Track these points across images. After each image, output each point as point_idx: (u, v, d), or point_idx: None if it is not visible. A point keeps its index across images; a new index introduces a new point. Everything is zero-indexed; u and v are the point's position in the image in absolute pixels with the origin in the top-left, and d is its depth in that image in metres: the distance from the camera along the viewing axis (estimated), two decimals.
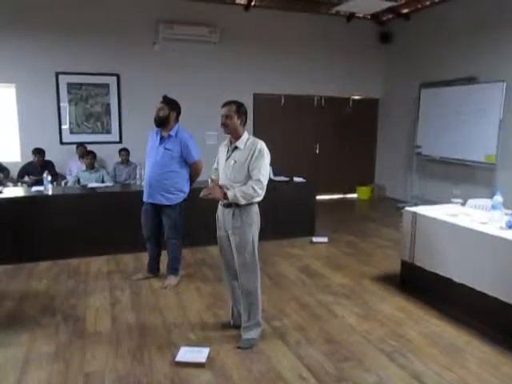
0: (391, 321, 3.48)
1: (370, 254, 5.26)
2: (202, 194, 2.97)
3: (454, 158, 7.05)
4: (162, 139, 4.00)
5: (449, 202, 4.34)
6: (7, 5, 6.50)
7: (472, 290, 3.38)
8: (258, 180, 2.88)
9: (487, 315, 3.29)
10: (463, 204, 4.28)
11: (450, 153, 7.09)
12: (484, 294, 3.28)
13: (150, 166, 4.03)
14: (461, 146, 6.88)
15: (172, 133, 3.97)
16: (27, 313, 3.56)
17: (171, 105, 3.98)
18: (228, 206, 3.00)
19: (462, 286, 3.47)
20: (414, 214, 4.02)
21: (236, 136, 3.01)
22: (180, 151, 3.96)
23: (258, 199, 3.00)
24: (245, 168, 2.92)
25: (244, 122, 3.03)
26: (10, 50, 6.60)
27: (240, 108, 3.01)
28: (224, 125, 2.98)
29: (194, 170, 4.10)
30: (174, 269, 4.22)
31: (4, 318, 3.46)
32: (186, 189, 4.12)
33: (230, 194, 2.88)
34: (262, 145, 2.97)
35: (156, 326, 3.37)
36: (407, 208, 4.22)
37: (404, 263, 4.17)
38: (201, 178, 4.28)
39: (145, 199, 4.12)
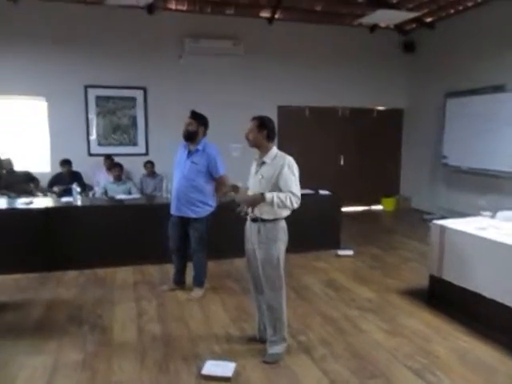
0: (419, 337, 3.40)
1: (396, 267, 5.17)
2: (241, 210, 3.03)
3: (481, 169, 6.90)
4: (189, 153, 4.06)
5: (477, 213, 4.25)
6: (39, 22, 6.74)
7: (503, 305, 3.29)
8: (296, 195, 2.87)
9: None
10: (492, 216, 4.18)
11: (478, 163, 6.94)
12: None
13: (178, 180, 4.09)
14: (489, 155, 6.73)
15: (199, 147, 4.03)
16: (55, 321, 3.64)
17: (200, 120, 4.05)
18: (254, 220, 3.02)
19: (493, 301, 3.37)
20: (442, 227, 3.95)
21: (262, 150, 3.03)
22: (206, 165, 4.01)
23: (285, 214, 3.00)
24: (271, 183, 2.92)
25: (269, 137, 3.02)
26: (42, 65, 6.83)
27: (263, 123, 3.01)
28: (247, 139, 3.05)
29: (219, 185, 4.14)
30: (199, 281, 4.24)
31: (33, 326, 3.54)
32: (212, 202, 4.16)
33: (268, 195, 2.84)
34: (290, 160, 2.97)
35: (181, 337, 3.38)
36: (435, 221, 4.14)
37: (432, 277, 4.08)
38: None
39: (172, 212, 4.17)
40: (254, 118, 3.06)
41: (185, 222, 4.13)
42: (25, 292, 4.25)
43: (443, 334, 3.44)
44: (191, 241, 4.15)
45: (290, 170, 2.91)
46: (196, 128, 4.00)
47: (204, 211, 4.08)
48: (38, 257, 4.76)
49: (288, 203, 2.85)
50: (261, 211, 2.95)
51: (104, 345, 3.25)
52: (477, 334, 3.41)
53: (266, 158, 3.00)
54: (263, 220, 2.96)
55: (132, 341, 3.32)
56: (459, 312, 3.71)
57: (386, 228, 7.48)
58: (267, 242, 2.97)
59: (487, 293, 3.44)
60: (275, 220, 2.97)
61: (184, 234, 4.17)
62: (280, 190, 2.88)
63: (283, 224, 3.03)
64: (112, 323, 3.61)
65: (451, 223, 3.99)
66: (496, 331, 3.35)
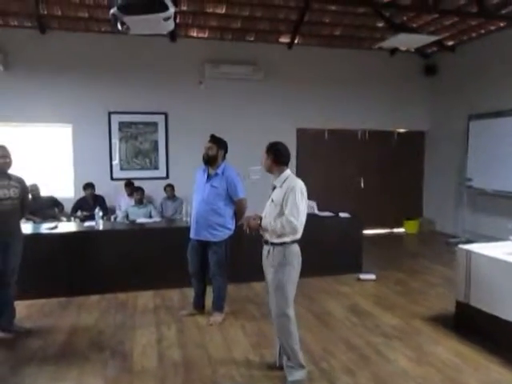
0: (448, 366, 3.27)
1: (421, 292, 5.03)
2: (244, 228, 3.09)
3: (508, 191, 6.73)
4: (209, 177, 4.08)
5: (504, 237, 4.13)
6: (65, 51, 6.99)
7: None
8: (290, 221, 2.87)
9: None
10: None
11: (504, 186, 6.78)
12: None
13: (197, 203, 4.10)
14: None
15: (219, 171, 4.05)
16: (77, 347, 3.63)
17: (219, 144, 4.08)
18: (266, 243, 3.06)
19: None
20: (468, 252, 3.83)
21: (275, 175, 3.08)
22: (226, 188, 4.02)
23: (293, 238, 2.96)
24: (278, 207, 2.95)
25: (278, 162, 3.05)
26: (68, 93, 7.04)
27: (270, 149, 3.09)
28: (261, 163, 3.16)
29: (238, 208, 4.13)
30: (219, 306, 4.20)
31: (56, 352, 3.54)
32: (231, 226, 4.14)
33: (263, 221, 2.98)
34: (296, 184, 2.96)
35: (201, 363, 3.33)
36: (461, 245, 4.03)
37: (459, 304, 3.95)
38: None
39: (192, 236, 4.16)
40: (267, 145, 3.13)
41: (204, 246, 4.11)
42: (49, 317, 4.26)
43: (474, 364, 3.30)
44: (210, 264, 4.13)
45: (293, 194, 2.91)
46: (216, 152, 4.03)
47: (223, 234, 4.07)
48: (62, 281, 4.80)
49: (279, 228, 2.89)
50: (270, 235, 2.98)
51: (124, 371, 3.23)
52: (510, 365, 3.25)
53: (277, 182, 3.05)
54: (272, 243, 2.98)
55: (152, 367, 3.29)
56: (489, 340, 3.56)
57: (409, 252, 7.32)
58: (275, 265, 2.98)
59: None
60: (284, 244, 2.95)
61: (203, 257, 4.15)
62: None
63: (294, 248, 3.00)
64: (132, 349, 3.59)
65: (478, 248, 3.87)
66: None
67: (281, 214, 2.93)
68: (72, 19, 6.77)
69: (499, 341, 3.49)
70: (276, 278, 2.97)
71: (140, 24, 3.12)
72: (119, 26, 3.14)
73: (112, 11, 2.99)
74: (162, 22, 3.06)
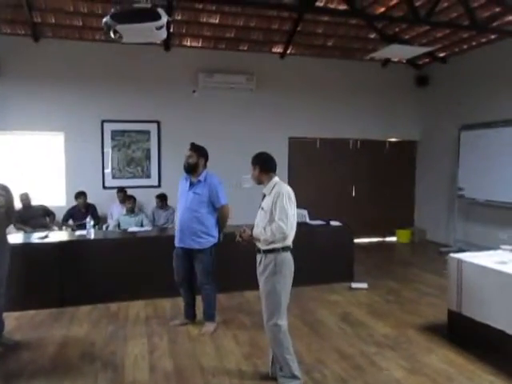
0: (441, 375, 3.27)
1: (413, 301, 5.03)
2: (237, 239, 3.11)
3: (499, 201, 6.79)
4: (191, 184, 4.10)
5: (495, 246, 4.16)
6: (58, 60, 6.98)
7: None
8: (279, 226, 2.90)
9: None
10: None
11: (496, 195, 6.85)
12: None
13: (181, 211, 4.10)
14: (507, 188, 6.63)
15: (201, 178, 4.07)
16: (68, 359, 3.57)
17: (199, 151, 4.10)
18: (258, 251, 3.07)
19: None
20: (460, 261, 3.85)
21: (264, 184, 3.12)
22: (208, 195, 4.03)
23: (284, 245, 2.97)
24: (268, 214, 2.97)
25: (263, 170, 3.11)
26: (60, 101, 7.02)
27: (254, 159, 3.16)
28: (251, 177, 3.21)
29: (221, 215, 4.13)
30: (209, 315, 4.18)
31: (47, 365, 3.48)
32: (215, 233, 4.14)
33: (254, 231, 3.02)
34: (282, 190, 2.98)
35: (194, 374, 3.30)
36: (452, 254, 4.05)
37: (451, 313, 3.96)
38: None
39: (176, 244, 4.16)
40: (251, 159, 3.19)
41: (189, 254, 4.10)
42: (39, 329, 4.19)
43: (467, 374, 3.29)
44: (197, 273, 4.11)
45: (280, 200, 2.94)
46: (196, 160, 4.05)
47: (207, 242, 4.06)
48: (52, 292, 4.75)
49: (269, 235, 2.92)
50: (262, 243, 3.00)
51: (116, 383, 3.18)
52: (503, 374, 3.25)
53: (266, 190, 3.10)
54: (263, 251, 3.01)
55: (144, 378, 3.25)
56: (482, 349, 3.57)
57: (401, 260, 7.34)
58: (266, 273, 2.99)
59: (510, 329, 3.31)
60: (274, 251, 2.96)
61: (189, 266, 4.13)
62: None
63: (286, 256, 3.00)
64: (124, 360, 3.54)
65: (469, 257, 3.90)
66: None
67: (271, 220, 2.95)
68: (66, 27, 6.76)
69: (491, 349, 3.50)
70: (267, 286, 2.98)
71: (133, 32, 3.13)
72: (112, 35, 3.14)
73: (105, 20, 2.99)
74: (154, 31, 3.07)
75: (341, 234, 5.89)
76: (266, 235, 2.92)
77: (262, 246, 3.00)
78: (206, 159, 4.15)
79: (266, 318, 3.01)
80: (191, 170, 4.06)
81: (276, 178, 3.11)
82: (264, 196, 3.11)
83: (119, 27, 2.96)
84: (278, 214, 2.91)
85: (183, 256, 4.13)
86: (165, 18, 2.98)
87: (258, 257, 3.08)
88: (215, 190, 4.04)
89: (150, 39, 3.60)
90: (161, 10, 3.10)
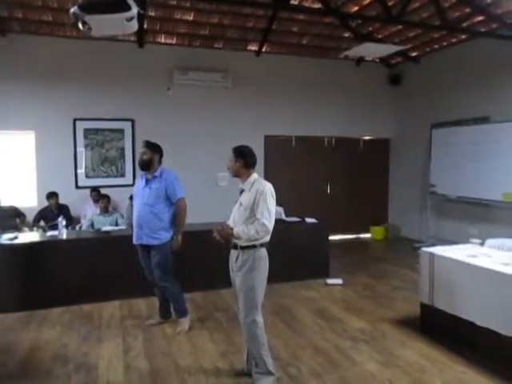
0: (414, 368, 3.33)
1: (387, 296, 5.11)
2: (214, 235, 3.02)
3: (470, 197, 6.96)
4: (147, 181, 4.08)
5: (466, 241, 4.25)
6: (27, 56, 6.78)
7: (497, 334, 3.24)
8: (263, 224, 2.87)
9: None
10: (482, 244, 4.18)
11: (466, 192, 7.01)
12: (510, 338, 3.14)
13: (138, 207, 4.07)
14: (476, 184, 6.81)
15: (157, 173, 4.06)
16: (39, 362, 3.49)
17: (153, 148, 4.08)
18: (234, 247, 3.02)
19: (487, 330, 3.33)
20: (432, 254, 3.93)
21: (242, 179, 3.08)
22: (165, 189, 4.01)
23: (263, 241, 2.97)
24: (248, 210, 2.94)
25: (247, 165, 3.07)
26: (30, 98, 6.83)
27: (239, 153, 3.08)
28: (227, 169, 3.14)
29: (179, 209, 4.09)
30: (179, 311, 4.16)
31: (17, 369, 3.38)
32: (172, 228, 4.10)
33: (235, 230, 2.92)
34: (265, 187, 2.97)
35: (169, 373, 3.27)
36: (424, 248, 4.13)
37: (423, 306, 4.04)
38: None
39: (134, 241, 4.11)
40: (233, 148, 3.12)
41: (148, 251, 4.07)
42: (8, 332, 4.07)
43: (439, 365, 3.37)
44: (153, 269, 4.06)
45: (263, 197, 2.91)
46: (150, 156, 4.03)
47: (164, 237, 4.03)
48: (22, 294, 4.62)
49: (253, 234, 2.87)
50: (242, 240, 2.94)
51: None
52: (474, 365, 3.34)
53: (245, 186, 3.05)
54: (241, 247, 2.96)
55: (118, 379, 3.20)
56: (454, 341, 3.66)
57: (375, 257, 7.44)
58: (243, 270, 2.96)
59: (480, 321, 3.40)
60: (253, 247, 2.95)
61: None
62: (255, 217, 2.91)
63: (263, 253, 3.00)
64: (98, 361, 3.48)
65: (440, 250, 3.98)
66: (492, 361, 3.29)
67: (251, 217, 2.92)
68: (34, 22, 6.57)
69: (462, 341, 3.58)
70: (245, 282, 2.95)
71: (102, 24, 3.04)
72: (80, 26, 3.05)
73: (72, 10, 2.90)
74: (124, 23, 3.00)
75: (316, 230, 5.94)
76: (250, 233, 2.87)
77: (241, 243, 2.96)
78: (161, 155, 4.14)
79: (244, 314, 2.99)
80: (146, 166, 4.05)
81: (255, 174, 3.09)
82: (242, 191, 3.07)
83: (88, 18, 2.88)
84: (261, 211, 2.87)
85: (146, 255, 4.10)
86: (135, 10, 2.92)
87: (234, 253, 3.04)
88: (172, 184, 4.04)
89: (120, 31, 3.52)
90: (131, 1, 3.02)
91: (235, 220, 3.03)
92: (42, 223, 6.41)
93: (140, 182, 4.17)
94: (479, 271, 3.45)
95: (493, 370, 3.23)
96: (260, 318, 3.00)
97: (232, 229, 2.93)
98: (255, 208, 2.90)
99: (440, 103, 7.83)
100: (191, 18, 6.81)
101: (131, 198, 6.69)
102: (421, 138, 8.18)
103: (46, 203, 6.55)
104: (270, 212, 2.91)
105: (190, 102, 7.64)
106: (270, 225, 2.91)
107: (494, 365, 3.26)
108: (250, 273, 2.94)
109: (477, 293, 3.46)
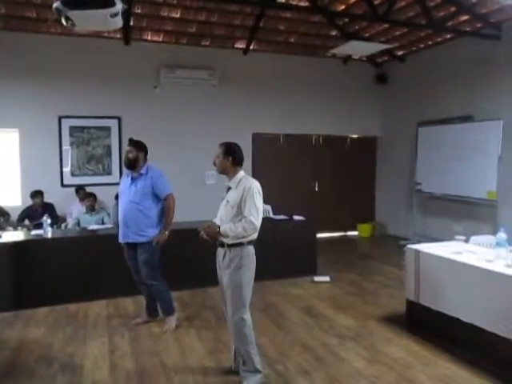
0: (399, 364, 3.36)
1: (374, 293, 5.15)
2: (201, 234, 3.01)
3: (455, 195, 7.05)
4: (133, 179, 4.06)
5: (451, 238, 4.30)
6: (12, 53, 6.68)
7: (481, 329, 3.29)
8: (250, 221, 2.87)
9: (500, 357, 3.17)
10: (466, 241, 4.24)
11: (451, 189, 7.10)
12: (494, 334, 3.19)
13: (124, 205, 4.03)
14: (461, 182, 6.90)
15: (143, 171, 4.04)
16: (23, 363, 3.44)
17: (138, 146, 4.06)
18: (221, 245, 3.01)
19: (471, 325, 3.38)
20: (417, 251, 3.97)
21: (229, 176, 3.06)
22: (151, 186, 3.99)
23: (250, 239, 2.97)
24: (235, 208, 2.93)
25: (235, 163, 3.05)
26: (14, 96, 6.72)
27: (228, 149, 3.05)
28: (213, 164, 3.10)
29: (167, 205, 4.07)
30: (166, 310, 4.14)
31: (1, 368, 3.33)
32: (159, 225, 4.09)
33: (222, 228, 2.90)
34: (252, 184, 2.96)
35: (156, 372, 3.25)
36: (409, 246, 4.17)
37: (409, 303, 4.08)
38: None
39: (121, 240, 4.08)
40: (221, 144, 3.09)
41: (135, 249, 4.04)
42: None
43: (424, 361, 3.40)
44: (140, 267, 4.03)
45: (250, 195, 2.91)
46: (136, 154, 4.01)
47: (152, 234, 4.01)
48: (6, 294, 4.55)
49: (241, 231, 2.87)
50: (229, 238, 2.93)
51: None
52: (458, 360, 3.38)
53: (232, 184, 3.02)
54: (228, 245, 2.95)
55: (103, 379, 3.17)
56: (439, 337, 3.70)
57: (362, 254, 7.50)
58: (231, 267, 2.95)
59: (465, 317, 3.45)
60: (240, 245, 2.94)
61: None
62: (242, 215, 2.90)
63: (250, 250, 2.99)
64: (83, 362, 3.45)
65: (426, 248, 4.02)
66: (477, 356, 3.34)
67: (238, 214, 2.91)
68: (18, 19, 6.46)
69: (448, 337, 3.63)
70: (233, 280, 2.94)
71: (85, 19, 2.99)
72: (64, 22, 3.00)
73: (55, 5, 2.85)
74: (109, 19, 2.95)
75: (304, 228, 5.95)
76: (237, 231, 2.86)
77: (228, 241, 2.95)
78: (146, 153, 4.11)
79: (232, 312, 2.98)
80: (131, 164, 4.03)
81: (242, 172, 3.07)
82: (229, 189, 3.05)
83: (71, 13, 2.83)
84: (249, 209, 2.87)
85: (132, 253, 4.06)
86: (119, 5, 2.87)
87: (221, 251, 3.02)
88: (159, 180, 4.03)
89: (104, 27, 3.48)
90: None
91: (222, 218, 3.02)
92: (26, 222, 6.33)
93: (125, 180, 4.14)
94: (463, 268, 3.49)
95: (477, 365, 3.27)
96: (248, 316, 3.00)
97: (219, 227, 2.91)
98: (242, 206, 2.89)
99: (426, 101, 7.91)
100: (178, 16, 6.77)
101: (117, 197, 6.67)
102: (407, 136, 8.25)
103: (30, 202, 6.46)
104: (258, 209, 2.91)
105: (178, 99, 7.60)
106: (258, 222, 2.91)
107: (478, 360, 3.30)
108: (238, 270, 2.94)
109: (461, 289, 3.50)
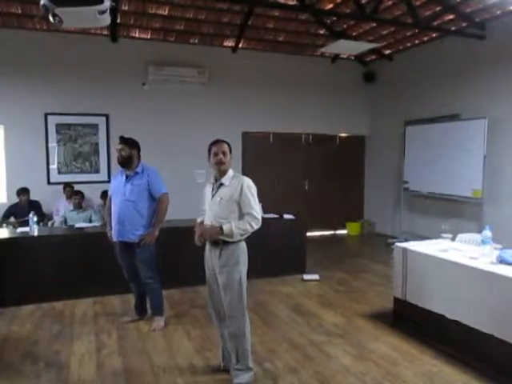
0: (386, 361, 3.39)
1: (362, 291, 5.18)
2: (197, 242, 2.98)
3: (441, 194, 7.12)
4: (127, 177, 4.01)
5: (438, 236, 4.34)
6: None
7: (466, 326, 3.33)
8: (255, 217, 2.87)
9: (484, 353, 3.21)
10: (453, 239, 4.28)
11: (438, 188, 7.17)
12: (478, 330, 3.22)
13: (118, 203, 3.98)
14: (447, 181, 6.97)
15: (139, 169, 4.01)
16: (7, 360, 3.40)
17: (130, 143, 4.00)
18: (215, 244, 2.95)
19: (456, 322, 3.41)
20: (405, 250, 4.00)
21: (224, 173, 3.02)
22: (147, 185, 3.97)
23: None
24: (231, 204, 2.91)
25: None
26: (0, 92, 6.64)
27: (229, 146, 3.07)
28: (221, 162, 2.98)
29: (161, 203, 4.04)
30: (156, 310, 4.13)
31: None
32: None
33: (225, 226, 2.83)
34: (249, 181, 2.98)
35: (143, 371, 3.24)
36: (397, 244, 4.20)
37: (397, 300, 4.11)
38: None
39: (115, 238, 4.04)
40: (223, 141, 3.05)
41: (129, 247, 4.01)
42: None
43: (410, 358, 3.43)
44: (138, 266, 4.01)
45: (250, 191, 2.92)
46: (129, 152, 3.96)
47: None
48: None
49: (248, 228, 2.87)
50: (234, 236, 2.88)
51: (59, 382, 3.06)
52: (444, 357, 3.42)
53: (225, 180, 2.99)
54: (224, 242, 2.91)
55: (90, 377, 3.15)
56: (425, 334, 3.74)
57: (351, 252, 7.54)
58: (229, 265, 2.92)
59: (450, 314, 3.48)
60: (237, 242, 2.93)
61: (133, 260, 4.04)
62: (241, 211, 2.89)
63: (244, 245, 3.00)
64: (69, 359, 3.42)
65: (413, 246, 4.05)
66: (462, 353, 3.37)
67: (234, 211, 2.90)
68: (2, 15, 6.37)
69: (434, 334, 3.66)
70: (232, 277, 2.91)
71: (73, 16, 2.95)
72: (51, 18, 2.95)
73: (42, 2, 2.80)
74: (97, 16, 2.91)
75: (293, 227, 5.96)
76: (245, 227, 2.84)
77: (231, 239, 2.88)
78: (139, 150, 4.07)
79: (232, 310, 2.93)
80: (126, 162, 3.98)
81: (231, 169, 3.07)
82: (220, 186, 3.00)
83: (58, 10, 2.79)
84: (252, 205, 2.88)
85: (126, 251, 4.03)
86: (107, 3, 2.84)
87: (216, 249, 2.95)
88: (154, 180, 4.00)
89: (92, 24, 3.43)
90: None
91: (216, 215, 2.93)
92: (12, 219, 6.25)
93: (119, 179, 4.07)
94: (449, 265, 3.53)
95: (462, 361, 3.31)
96: (247, 313, 3.00)
97: (220, 227, 2.85)
98: (243, 202, 2.89)
99: (413, 100, 7.98)
100: (166, 13, 6.74)
101: (104, 196, 6.59)
102: (395, 134, 8.31)
103: (16, 199, 6.38)
104: (257, 204, 2.95)
105: (166, 97, 7.57)
106: (259, 216, 2.92)
107: (463, 357, 3.34)
108: (236, 266, 2.92)
109: (447, 286, 3.54)
